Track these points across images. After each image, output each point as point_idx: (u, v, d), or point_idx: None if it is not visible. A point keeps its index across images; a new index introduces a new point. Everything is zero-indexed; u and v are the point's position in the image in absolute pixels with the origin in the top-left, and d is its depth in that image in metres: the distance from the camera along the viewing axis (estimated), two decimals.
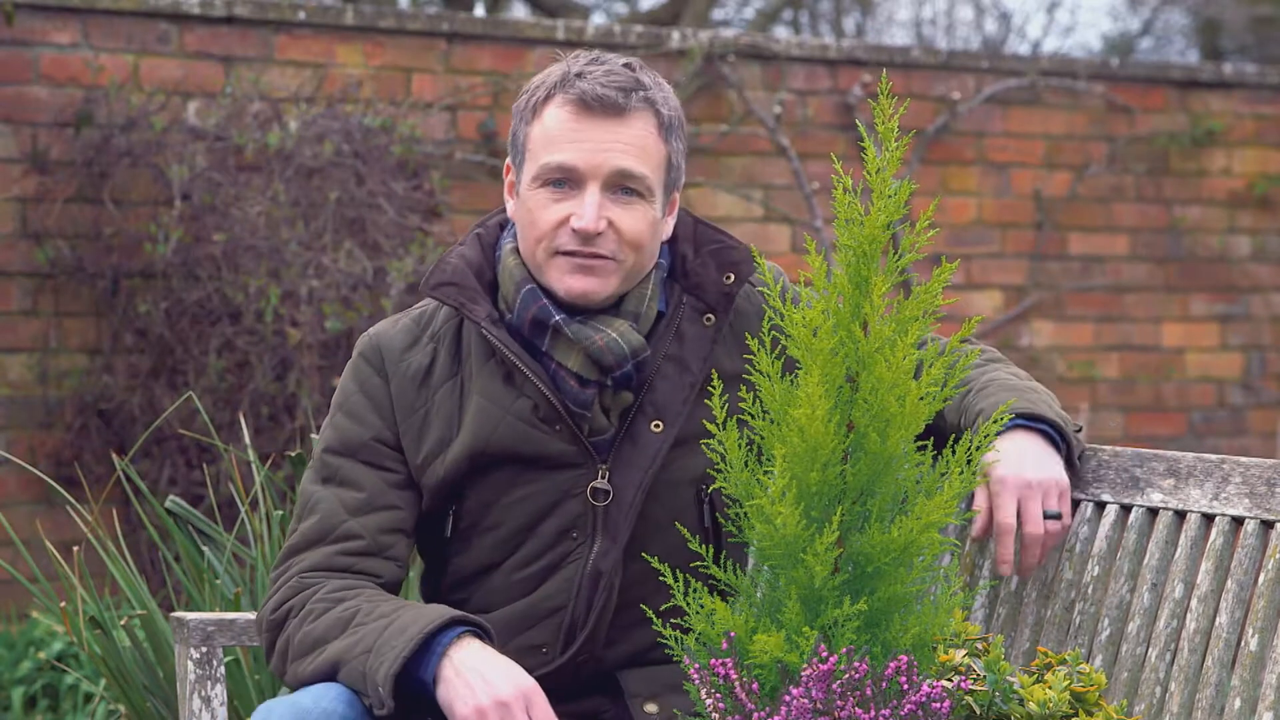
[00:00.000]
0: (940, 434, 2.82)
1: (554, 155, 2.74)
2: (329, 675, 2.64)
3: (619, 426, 2.78)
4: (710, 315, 2.82)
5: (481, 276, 2.82)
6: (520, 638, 2.76)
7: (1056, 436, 2.80)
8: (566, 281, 2.75)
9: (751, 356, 2.67)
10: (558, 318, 2.75)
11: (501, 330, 2.77)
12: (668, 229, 2.85)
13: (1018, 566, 2.78)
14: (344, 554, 2.75)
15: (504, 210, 2.90)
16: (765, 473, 2.57)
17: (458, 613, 2.63)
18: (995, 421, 2.66)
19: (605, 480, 2.76)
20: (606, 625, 2.76)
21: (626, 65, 2.78)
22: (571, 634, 2.77)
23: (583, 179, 2.74)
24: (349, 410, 2.82)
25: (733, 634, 2.51)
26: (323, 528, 2.77)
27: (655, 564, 2.69)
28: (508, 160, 2.85)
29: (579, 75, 2.75)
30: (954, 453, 2.61)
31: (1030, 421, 2.79)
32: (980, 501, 2.78)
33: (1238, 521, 2.67)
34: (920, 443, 2.76)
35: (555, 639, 2.77)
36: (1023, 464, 2.76)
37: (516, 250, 2.81)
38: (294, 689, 2.70)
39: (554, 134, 2.75)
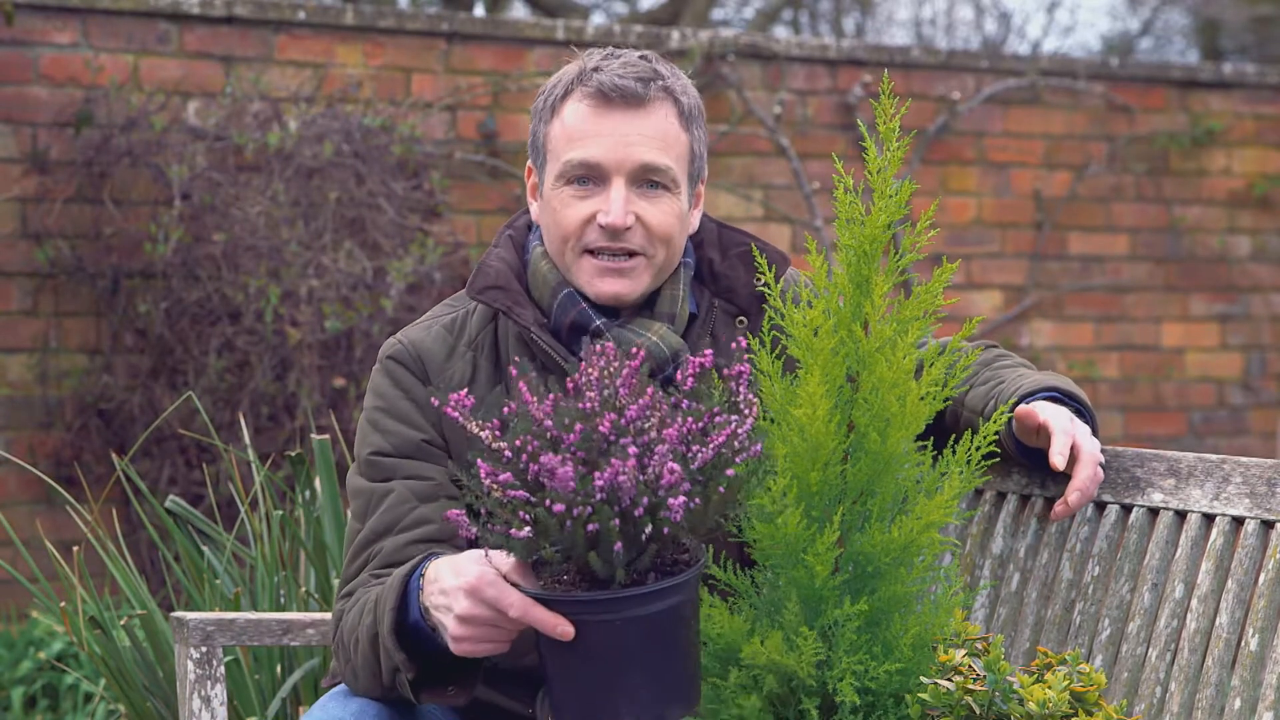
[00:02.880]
0: (966, 427, 2.81)
1: (576, 152, 2.73)
2: (374, 660, 2.59)
3: None
4: (743, 318, 2.81)
5: (519, 279, 2.81)
6: None
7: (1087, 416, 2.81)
8: (596, 285, 2.74)
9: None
10: (599, 323, 2.74)
11: (547, 334, 2.76)
12: (695, 221, 2.84)
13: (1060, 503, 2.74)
14: (417, 542, 2.70)
15: (529, 210, 2.89)
16: (766, 472, 2.57)
17: (431, 551, 2.58)
18: (1013, 402, 2.67)
19: None
20: None
21: (642, 57, 2.77)
22: None
23: (607, 174, 2.73)
24: (397, 415, 2.77)
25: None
26: (393, 517, 2.72)
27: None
28: (529, 163, 2.84)
29: (595, 69, 2.74)
30: (954, 452, 2.61)
31: (1063, 398, 2.79)
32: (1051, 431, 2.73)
33: (1238, 521, 2.67)
34: (936, 437, 2.76)
35: None
36: (1075, 423, 2.74)
37: (547, 253, 2.80)
38: (360, 694, 2.66)
39: (574, 130, 2.73)
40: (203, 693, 3.09)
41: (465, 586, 2.40)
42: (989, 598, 2.90)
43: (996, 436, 2.72)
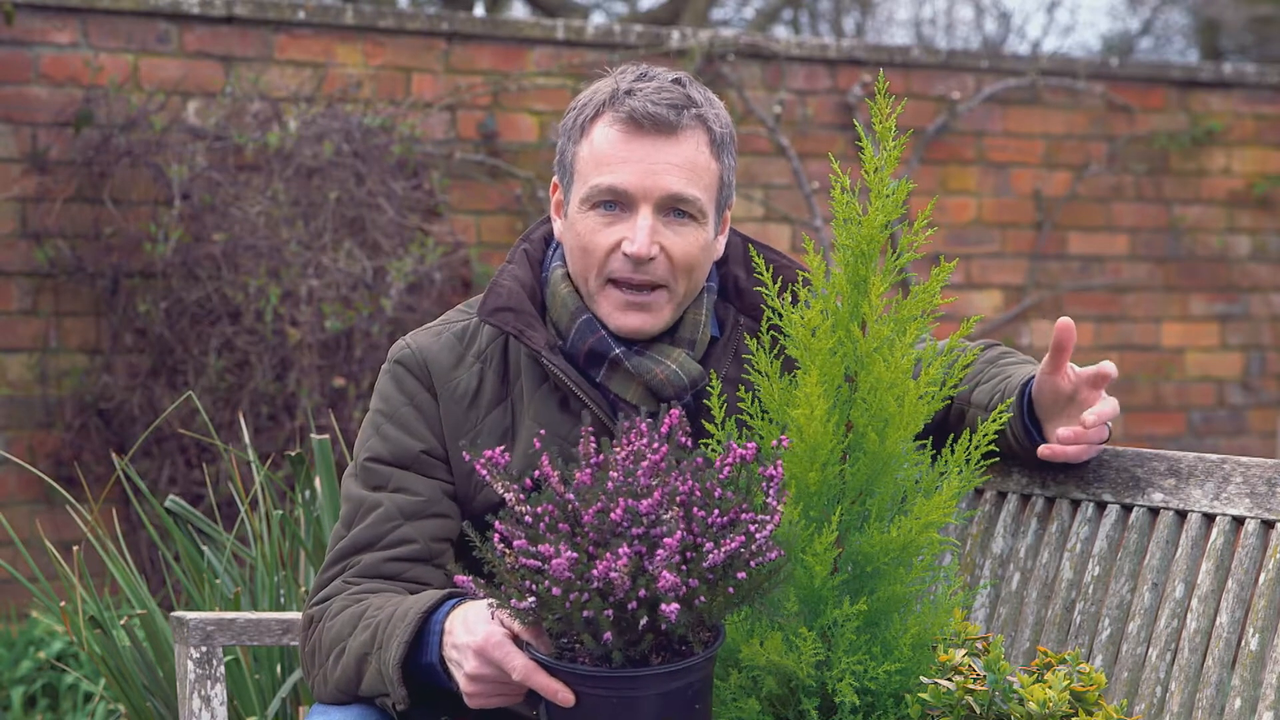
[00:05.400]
0: (972, 424, 2.80)
1: (604, 177, 2.69)
2: (355, 676, 2.61)
3: None
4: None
5: (533, 298, 2.79)
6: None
7: None
8: (617, 319, 2.72)
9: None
10: (617, 351, 2.72)
11: (559, 357, 2.74)
12: (720, 248, 2.81)
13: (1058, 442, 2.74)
14: (396, 560, 2.70)
15: (547, 222, 2.87)
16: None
17: (453, 589, 2.59)
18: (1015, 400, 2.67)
19: None
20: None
21: (676, 81, 2.73)
22: None
23: (634, 202, 2.70)
24: (399, 421, 2.76)
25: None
26: (376, 532, 2.72)
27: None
28: (554, 178, 2.81)
29: (628, 92, 2.70)
30: (953, 452, 2.61)
31: None
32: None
33: (1238, 521, 2.67)
34: (941, 437, 2.75)
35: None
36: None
37: (568, 275, 2.78)
38: (326, 701, 2.67)
39: (604, 154, 2.70)
40: (203, 693, 3.09)
41: (474, 646, 2.44)
42: (989, 598, 2.90)
43: (997, 435, 2.72)
